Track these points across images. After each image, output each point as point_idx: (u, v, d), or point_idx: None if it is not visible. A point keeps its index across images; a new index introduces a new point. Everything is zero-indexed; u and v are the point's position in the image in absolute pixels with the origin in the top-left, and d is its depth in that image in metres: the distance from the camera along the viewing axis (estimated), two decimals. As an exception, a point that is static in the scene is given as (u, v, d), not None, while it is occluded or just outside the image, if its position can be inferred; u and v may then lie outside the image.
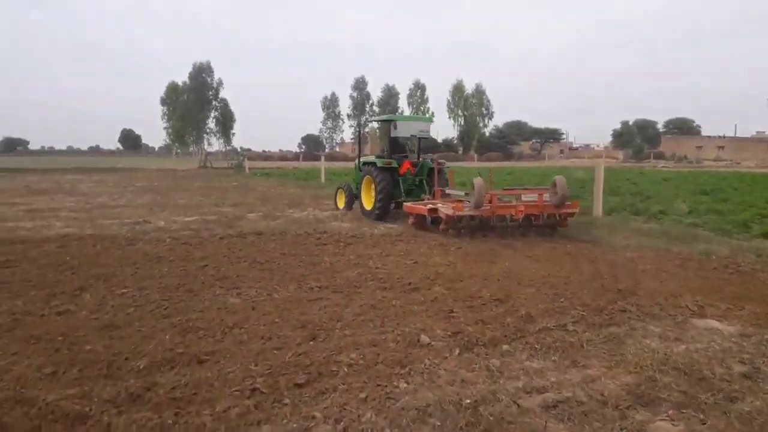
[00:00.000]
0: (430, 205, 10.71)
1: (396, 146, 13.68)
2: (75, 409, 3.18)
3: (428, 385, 3.65)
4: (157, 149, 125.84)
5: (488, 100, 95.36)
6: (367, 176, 12.71)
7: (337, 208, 14.53)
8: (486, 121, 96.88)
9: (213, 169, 41.69)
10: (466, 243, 9.32)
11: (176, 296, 5.79)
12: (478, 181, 9.81)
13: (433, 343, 4.41)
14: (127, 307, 5.37)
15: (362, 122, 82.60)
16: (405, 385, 3.65)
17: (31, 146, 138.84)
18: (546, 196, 10.19)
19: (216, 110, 74.07)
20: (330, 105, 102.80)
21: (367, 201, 12.89)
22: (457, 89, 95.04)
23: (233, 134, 76.47)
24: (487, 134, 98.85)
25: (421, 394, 3.51)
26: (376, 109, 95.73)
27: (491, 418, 3.18)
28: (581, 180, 22.70)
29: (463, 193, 11.13)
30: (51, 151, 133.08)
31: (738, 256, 8.08)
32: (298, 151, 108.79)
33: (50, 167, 37.76)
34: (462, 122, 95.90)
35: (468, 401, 3.39)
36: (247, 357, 4.05)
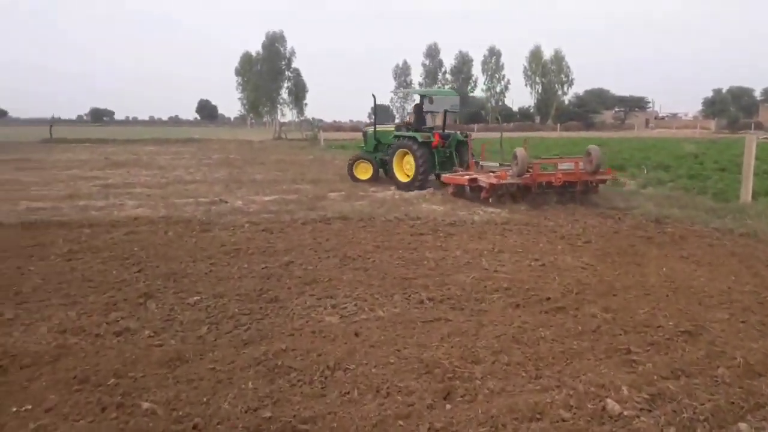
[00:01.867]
0: (468, 176, 11.16)
1: (423, 120, 14.19)
2: None
3: None
4: (232, 119, 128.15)
5: (568, 67, 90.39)
6: (402, 149, 13.03)
7: (355, 180, 14.25)
8: (565, 88, 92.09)
9: (287, 140, 41.16)
10: (593, 236, 7.74)
11: (258, 309, 4.65)
12: (520, 151, 10.34)
13: (626, 412, 2.99)
14: (199, 325, 4.27)
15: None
16: None
17: (117, 116, 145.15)
18: (581, 165, 10.65)
19: (289, 80, 73.88)
20: (401, 74, 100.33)
21: (401, 173, 13.20)
22: (535, 55, 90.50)
23: (305, 105, 76.29)
24: (567, 102, 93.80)
25: None
26: (448, 77, 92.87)
27: None
28: (692, 154, 20.21)
29: (497, 164, 11.94)
30: (134, 122, 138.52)
31: None
32: (368, 121, 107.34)
33: (131, 138, 38.39)
34: (539, 90, 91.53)
35: None
36: (363, 430, 2.79)
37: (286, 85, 74.29)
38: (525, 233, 8.01)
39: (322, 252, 6.73)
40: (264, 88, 71.31)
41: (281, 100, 74.74)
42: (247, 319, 4.41)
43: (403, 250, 6.90)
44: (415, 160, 12.65)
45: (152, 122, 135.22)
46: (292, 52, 73.20)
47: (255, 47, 79.07)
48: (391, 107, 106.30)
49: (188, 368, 3.48)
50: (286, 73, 73.69)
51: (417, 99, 14.74)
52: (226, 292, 5.07)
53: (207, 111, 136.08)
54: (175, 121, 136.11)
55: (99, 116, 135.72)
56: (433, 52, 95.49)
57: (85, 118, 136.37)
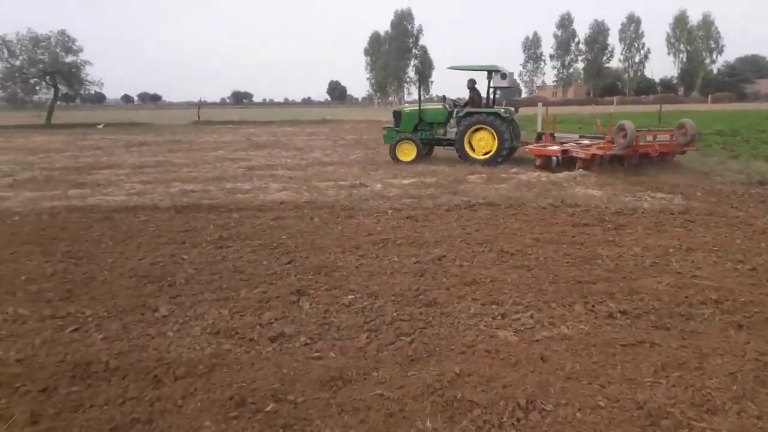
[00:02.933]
0: (557, 147, 12.20)
1: (481, 97, 14.03)
2: None
3: None
4: (360, 99, 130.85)
5: (718, 32, 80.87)
6: (478, 125, 13.22)
7: (396, 161, 13.79)
8: (714, 56, 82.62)
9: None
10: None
11: (418, 314, 4.12)
12: (628, 124, 10.92)
13: None
14: (357, 332, 3.82)
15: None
16: None
17: (255, 99, 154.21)
18: (675, 137, 11.48)
19: (415, 58, 73.59)
20: (531, 46, 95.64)
21: (470, 149, 13.44)
22: (680, 21, 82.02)
23: (432, 82, 75.63)
24: (715, 72, 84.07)
25: None
26: (582, 47, 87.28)
27: None
28: None
29: (576, 135, 13.44)
30: (270, 103, 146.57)
31: None
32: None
33: (268, 119, 40.22)
34: (683, 59, 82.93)
35: None
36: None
37: (412, 63, 74.16)
38: (713, 226, 6.78)
39: (474, 245, 6.08)
40: (391, 67, 71.74)
41: (407, 79, 74.78)
42: (408, 327, 3.88)
43: (567, 244, 6.04)
44: (499, 135, 13.10)
45: (287, 104, 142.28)
46: (420, 30, 72.78)
47: (384, 27, 79.40)
48: (519, 80, 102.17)
49: (352, 391, 3.01)
50: (413, 51, 73.49)
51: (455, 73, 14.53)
52: (380, 291, 4.59)
53: (337, 92, 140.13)
54: (307, 103, 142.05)
55: (239, 99, 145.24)
56: (565, 22, 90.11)
57: (227, 100, 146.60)
